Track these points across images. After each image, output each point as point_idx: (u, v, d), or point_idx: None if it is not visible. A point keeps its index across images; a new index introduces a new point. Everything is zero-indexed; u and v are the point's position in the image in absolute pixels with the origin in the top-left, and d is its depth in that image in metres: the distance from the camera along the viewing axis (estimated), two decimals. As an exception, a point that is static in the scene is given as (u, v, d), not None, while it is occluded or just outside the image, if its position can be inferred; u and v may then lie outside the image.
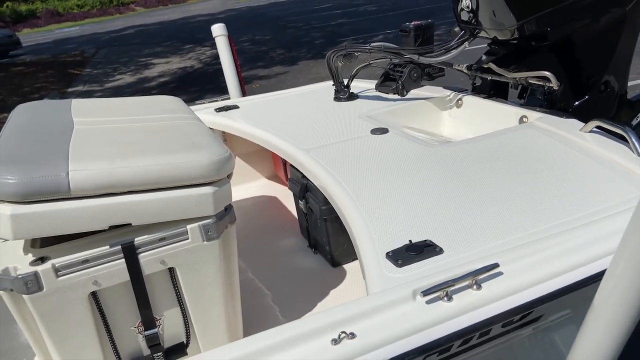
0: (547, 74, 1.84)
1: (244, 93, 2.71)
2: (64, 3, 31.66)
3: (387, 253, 1.11)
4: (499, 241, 1.12)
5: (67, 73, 10.77)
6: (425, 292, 0.94)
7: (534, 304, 0.96)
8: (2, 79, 10.11)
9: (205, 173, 1.23)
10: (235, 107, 2.43)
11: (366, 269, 1.09)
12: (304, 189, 1.86)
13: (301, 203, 1.91)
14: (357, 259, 1.13)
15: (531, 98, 2.05)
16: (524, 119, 1.90)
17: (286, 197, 2.50)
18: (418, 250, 1.10)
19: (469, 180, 1.41)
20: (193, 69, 9.81)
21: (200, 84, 8.16)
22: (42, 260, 1.15)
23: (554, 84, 1.84)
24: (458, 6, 2.05)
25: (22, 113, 1.56)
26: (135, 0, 33.50)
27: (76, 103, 1.68)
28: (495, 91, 2.21)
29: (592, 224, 1.14)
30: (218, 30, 2.69)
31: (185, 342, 1.39)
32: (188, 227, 1.25)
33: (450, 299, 0.95)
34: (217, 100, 2.58)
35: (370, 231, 1.20)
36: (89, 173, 1.13)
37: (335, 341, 0.87)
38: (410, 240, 1.15)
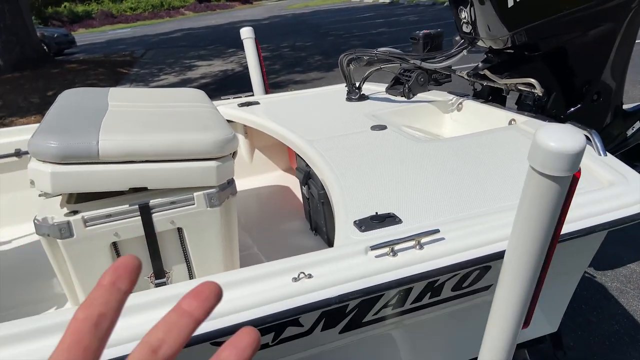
0: (532, 81, 2.00)
1: (266, 91, 2.96)
2: (118, 5, 33.15)
3: (355, 221, 1.32)
4: (451, 216, 1.31)
5: (116, 72, 11.38)
6: (374, 247, 1.14)
7: (465, 265, 1.14)
8: (56, 75, 10.78)
9: (209, 149, 1.47)
10: (257, 103, 2.68)
11: (336, 232, 1.30)
12: (306, 175, 2.08)
13: (304, 189, 2.13)
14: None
15: (522, 104, 2.21)
16: (512, 121, 2.06)
17: (297, 187, 2.73)
18: (380, 220, 1.30)
19: (441, 168, 1.60)
20: (233, 72, 10.21)
21: (239, 86, 8.52)
22: (74, 213, 1.41)
23: (539, 90, 2.00)
24: (459, 19, 2.23)
25: (67, 96, 1.85)
26: (185, 4, 34.72)
27: (113, 90, 1.97)
28: (493, 97, 2.37)
29: None
30: (246, 33, 2.95)
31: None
32: (194, 194, 1.49)
33: (395, 254, 1.15)
34: (241, 97, 2.84)
35: (346, 203, 1.41)
36: (115, 143, 1.39)
37: (295, 279, 1.09)
38: (376, 212, 1.35)
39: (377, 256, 1.15)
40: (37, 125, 2.41)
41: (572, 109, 2.24)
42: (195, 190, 1.49)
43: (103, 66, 12.03)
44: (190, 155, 1.46)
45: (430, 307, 1.36)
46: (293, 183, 2.80)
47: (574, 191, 0.90)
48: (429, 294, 1.32)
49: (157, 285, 1.56)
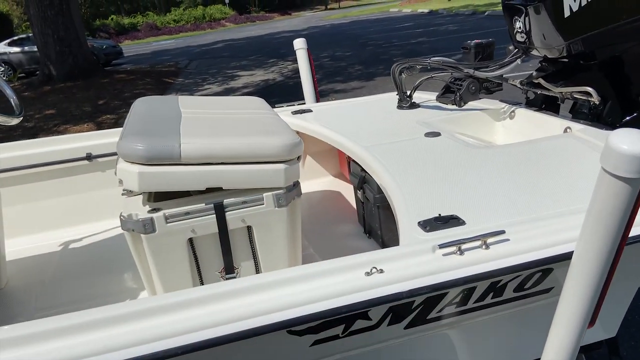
0: (588, 89, 2.02)
1: (317, 99, 3.05)
2: (162, 18, 34.28)
3: (419, 222, 1.38)
4: (514, 219, 1.36)
5: (162, 81, 11.79)
6: (442, 246, 1.21)
7: (530, 265, 1.19)
8: (106, 85, 11.26)
9: (279, 153, 1.56)
10: (309, 111, 2.78)
11: (401, 232, 1.37)
12: (362, 180, 2.16)
13: (359, 193, 2.21)
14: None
15: (578, 112, 2.22)
16: (567, 129, 2.08)
17: (348, 192, 2.80)
18: (444, 221, 1.36)
19: (500, 174, 1.65)
20: (275, 81, 10.42)
21: (280, 95, 8.70)
22: (156, 210, 1.53)
23: (595, 98, 2.02)
24: (513, 28, 2.27)
25: (142, 104, 1.99)
26: (226, 16, 35.58)
27: (181, 98, 2.10)
28: (547, 105, 2.39)
29: None
30: (299, 44, 3.07)
31: (255, 290, 1.72)
32: (264, 194, 1.59)
33: (462, 253, 1.20)
34: (294, 105, 2.95)
35: (408, 206, 1.48)
36: (195, 146, 1.50)
37: (368, 274, 1.16)
38: (439, 214, 1.41)
39: (444, 254, 1.21)
40: (105, 131, 2.59)
41: (628, 117, 2.24)
42: (265, 191, 1.59)
43: (149, 76, 12.48)
44: (262, 158, 1.56)
45: (491, 307, 1.41)
46: (344, 188, 2.87)
47: None
48: (491, 294, 1.37)
49: (227, 279, 1.66)
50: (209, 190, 1.58)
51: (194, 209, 1.54)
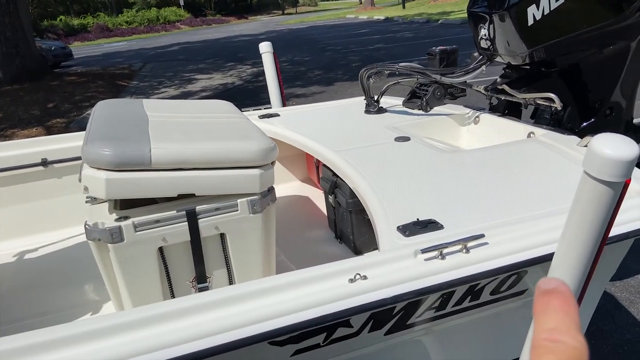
0: (551, 95, 2.09)
1: (284, 104, 3.03)
2: (114, 19, 33.30)
3: (398, 226, 1.38)
4: (490, 222, 1.38)
5: (116, 84, 11.43)
6: (424, 251, 1.20)
7: (510, 268, 1.21)
8: (55, 87, 10.81)
9: (253, 158, 1.53)
10: (277, 115, 2.75)
11: (380, 237, 1.36)
12: (333, 185, 2.14)
13: (330, 198, 2.19)
14: (377, 248, 1.39)
15: (540, 117, 2.29)
16: (531, 134, 2.14)
17: (317, 197, 2.79)
18: (423, 225, 1.37)
19: (473, 177, 1.67)
20: (233, 85, 10.30)
21: (240, 100, 8.60)
22: (125, 218, 1.46)
23: (558, 104, 2.08)
24: (478, 35, 2.32)
25: (104, 107, 1.90)
26: (181, 19, 34.96)
27: (146, 102, 2.02)
28: (510, 110, 2.46)
29: (564, 214, 1.38)
30: (265, 47, 3.03)
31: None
32: (238, 201, 1.54)
33: (443, 258, 1.21)
34: (260, 109, 2.90)
35: (386, 211, 1.48)
36: (166, 151, 1.44)
37: (351, 280, 1.14)
38: (417, 218, 1.41)
39: (426, 259, 1.21)
40: (60, 135, 2.47)
41: (586, 123, 2.33)
42: (239, 197, 1.55)
43: (102, 79, 12.08)
44: (237, 163, 1.51)
45: (469, 310, 1.42)
46: (312, 193, 2.85)
47: (624, 197, 0.96)
48: (469, 298, 1.38)
49: (200, 290, 1.60)
50: (181, 196, 1.53)
51: (165, 216, 1.48)
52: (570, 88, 2.26)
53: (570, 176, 1.65)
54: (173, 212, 1.49)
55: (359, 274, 1.15)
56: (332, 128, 2.41)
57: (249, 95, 9.00)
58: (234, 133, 1.64)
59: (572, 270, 1.03)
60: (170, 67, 13.86)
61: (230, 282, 1.65)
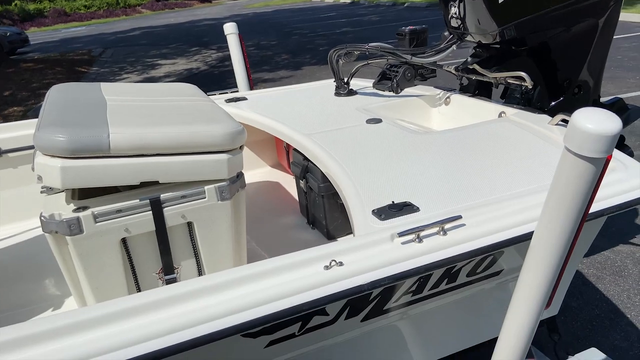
0: (522, 74, 2.07)
1: (251, 87, 2.94)
2: (71, 3, 32.07)
3: (373, 210, 1.33)
4: (466, 203, 1.35)
5: (75, 71, 11.02)
6: (401, 234, 1.16)
7: (488, 248, 1.18)
8: (11, 74, 10.35)
9: (220, 142, 1.45)
10: (244, 98, 2.66)
11: (355, 222, 1.31)
12: (304, 169, 2.08)
13: (302, 183, 2.13)
14: (351, 232, 1.35)
15: (510, 97, 2.28)
16: (502, 114, 2.13)
17: (287, 183, 2.72)
18: (398, 208, 1.32)
19: (446, 158, 1.64)
20: (198, 70, 10.06)
21: (206, 85, 8.39)
22: (83, 208, 1.37)
23: (528, 83, 2.07)
24: (448, 14, 2.28)
25: (59, 91, 1.79)
26: (142, 3, 33.92)
27: (104, 85, 1.91)
28: (480, 90, 2.44)
29: (540, 193, 1.36)
30: (230, 28, 2.92)
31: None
32: (205, 187, 1.47)
33: (421, 241, 1.17)
34: (227, 92, 2.81)
35: (360, 194, 1.43)
36: (126, 136, 1.35)
37: (327, 267, 1.09)
38: (392, 201, 1.37)
39: (403, 243, 1.17)
40: (15, 123, 2.33)
41: (555, 102, 2.33)
42: (207, 184, 1.47)
43: (60, 65, 11.62)
44: (202, 148, 1.44)
45: (446, 292, 1.39)
46: (282, 178, 2.79)
47: (604, 173, 0.94)
48: (445, 280, 1.35)
49: (167, 281, 1.53)
50: (144, 184, 1.44)
51: (127, 205, 1.40)
52: (540, 67, 2.25)
53: (542, 155, 1.64)
54: (136, 201, 1.40)
55: (335, 261, 1.11)
56: (302, 111, 2.35)
57: (215, 80, 8.81)
58: (199, 116, 1.55)
59: (552, 248, 1.01)
60: (132, 52, 13.43)
61: (200, 272, 1.58)
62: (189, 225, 1.51)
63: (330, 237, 2.10)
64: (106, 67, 11.43)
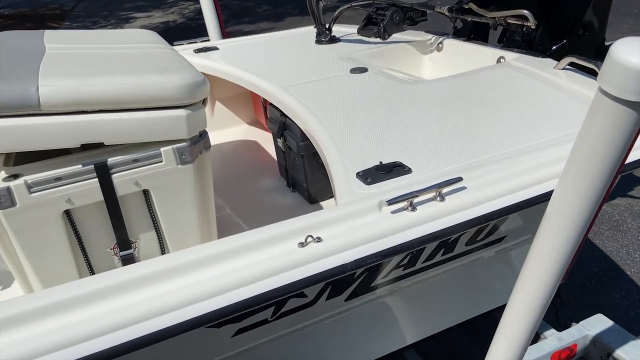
0: (525, 12, 1.84)
1: (224, 35, 2.67)
2: (42, -45, 30.42)
3: (358, 173, 1.13)
4: (465, 162, 1.15)
5: (47, 26, 10.44)
6: (390, 202, 0.97)
7: (492, 215, 0.99)
8: (-22, 31, 9.79)
9: (176, 95, 1.22)
10: (215, 48, 2.40)
11: (336, 187, 1.12)
12: (282, 126, 1.87)
13: (279, 141, 1.92)
14: (334, 196, 1.15)
15: (510, 40, 2.05)
16: (501, 59, 1.91)
17: (266, 141, 2.50)
18: (387, 170, 1.13)
19: (440, 111, 1.43)
20: (175, 23, 9.59)
21: (183, 39, 7.99)
22: (14, 177, 1.15)
23: (532, 22, 1.84)
24: None
25: None
26: (116, -47, 32.32)
27: (49, 33, 1.65)
28: (476, 34, 2.21)
29: (551, 147, 1.17)
30: None
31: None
32: (162, 149, 1.25)
33: (414, 209, 0.98)
34: (196, 42, 2.54)
35: (343, 154, 1.22)
36: (58, 89, 1.12)
37: (302, 244, 0.90)
38: (380, 162, 1.17)
39: (393, 212, 0.98)
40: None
41: (557, 45, 2.11)
42: (163, 145, 1.26)
43: (31, 20, 11.01)
44: (154, 103, 1.21)
45: (442, 264, 1.22)
46: (260, 137, 2.57)
47: None
48: (442, 251, 1.17)
49: (123, 258, 1.33)
50: (87, 147, 1.22)
51: (68, 172, 1.18)
52: (542, 6, 2.01)
53: (550, 103, 1.43)
54: (78, 167, 1.19)
55: (311, 236, 0.91)
56: (279, 61, 2.11)
57: (193, 33, 8.35)
58: (152, 65, 1.32)
59: (577, 212, 0.82)
60: (105, 5, 12.74)
61: (162, 247, 1.39)
62: (145, 193, 1.30)
63: (312, 200, 1.91)
64: (79, 21, 10.86)
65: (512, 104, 1.45)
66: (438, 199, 1.00)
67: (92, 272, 1.33)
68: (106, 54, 1.42)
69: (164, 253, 1.40)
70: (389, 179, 1.10)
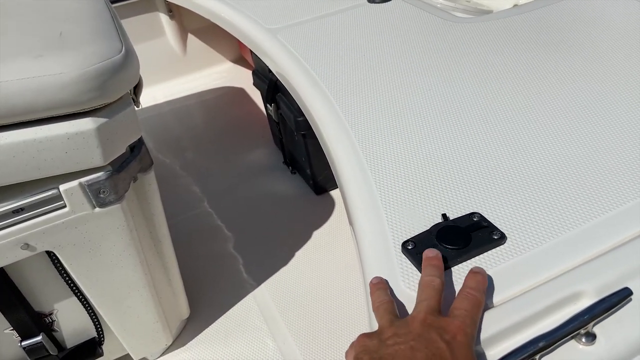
0: None
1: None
2: None
3: (405, 244, 0.61)
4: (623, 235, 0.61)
5: None
6: None
7: None
8: None
9: (73, 94, 0.68)
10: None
11: (366, 269, 0.61)
12: (272, 87, 1.31)
13: (270, 108, 1.37)
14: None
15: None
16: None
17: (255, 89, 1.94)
18: (462, 239, 0.60)
19: (530, 87, 0.87)
20: None
21: None
22: None
23: None
24: None
25: None
26: None
27: None
28: None
29: None
30: None
31: (97, 338, 0.96)
32: (61, 187, 0.73)
33: None
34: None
35: (375, 196, 0.69)
36: None
37: None
38: (444, 215, 0.64)
39: None
40: None
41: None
42: (64, 180, 0.73)
43: None
44: (35, 111, 0.67)
45: None
46: (247, 81, 1.99)
47: None
48: None
49: (27, 348, 0.86)
50: None
51: None
52: None
53: None
54: None
55: None
56: None
57: None
58: (34, 36, 0.75)
59: None
60: None
61: (92, 315, 0.91)
62: (50, 254, 0.80)
63: (319, 190, 1.40)
64: None
65: None
66: (583, 339, 0.49)
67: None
68: None
69: (97, 321, 0.94)
70: (467, 259, 0.58)
